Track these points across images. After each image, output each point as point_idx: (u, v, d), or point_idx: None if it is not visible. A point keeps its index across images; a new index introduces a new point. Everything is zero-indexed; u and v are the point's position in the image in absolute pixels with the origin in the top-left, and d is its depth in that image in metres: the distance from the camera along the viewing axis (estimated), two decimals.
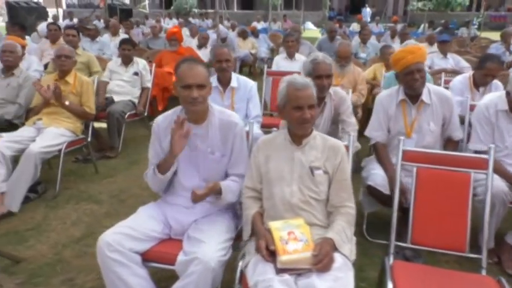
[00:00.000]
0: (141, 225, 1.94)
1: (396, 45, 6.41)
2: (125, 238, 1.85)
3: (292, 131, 1.95)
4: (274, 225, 1.76)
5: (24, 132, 3.29)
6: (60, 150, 3.29)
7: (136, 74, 4.60)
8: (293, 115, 1.87)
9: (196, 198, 1.92)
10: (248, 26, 12.27)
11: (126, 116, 4.29)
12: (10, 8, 12.19)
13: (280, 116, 2.01)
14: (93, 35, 6.78)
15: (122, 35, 7.84)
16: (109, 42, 7.25)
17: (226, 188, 2.00)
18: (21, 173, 3.01)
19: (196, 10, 24.62)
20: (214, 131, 2.06)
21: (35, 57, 4.92)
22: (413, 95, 2.60)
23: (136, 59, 4.69)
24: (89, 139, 3.70)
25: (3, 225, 2.85)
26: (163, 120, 2.13)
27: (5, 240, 2.51)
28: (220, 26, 6.93)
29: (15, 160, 3.12)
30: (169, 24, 14.22)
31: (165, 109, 5.43)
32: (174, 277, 1.83)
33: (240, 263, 1.82)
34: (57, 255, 2.55)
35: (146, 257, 1.90)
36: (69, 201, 3.24)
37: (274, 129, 2.20)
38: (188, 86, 1.92)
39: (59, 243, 2.68)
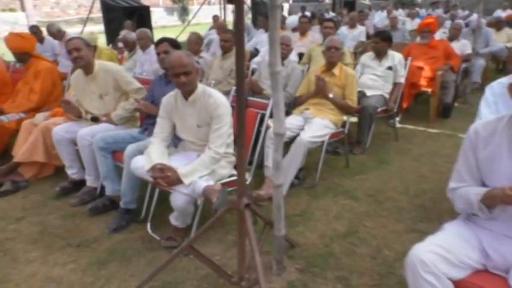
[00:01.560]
0: (456, 248, 1.67)
1: None
2: (439, 260, 1.61)
3: None
4: None
5: (294, 120, 3.48)
6: (323, 141, 3.36)
7: (390, 68, 4.35)
8: None
9: None
10: (488, 14, 10.48)
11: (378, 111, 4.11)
12: (254, 4, 13.89)
13: None
14: (335, 27, 6.86)
15: (359, 27, 7.76)
16: (347, 35, 7.26)
17: None
18: (292, 159, 3.19)
19: None
20: None
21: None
22: None
23: (391, 53, 4.43)
24: (346, 132, 3.67)
25: None
26: (485, 127, 1.77)
27: None
28: (474, 16, 5.99)
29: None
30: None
31: (408, 107, 5.08)
32: None
33: None
34: (327, 247, 2.56)
35: (460, 287, 1.62)
36: (327, 193, 3.27)
37: None
38: None
39: (325, 235, 2.70)
